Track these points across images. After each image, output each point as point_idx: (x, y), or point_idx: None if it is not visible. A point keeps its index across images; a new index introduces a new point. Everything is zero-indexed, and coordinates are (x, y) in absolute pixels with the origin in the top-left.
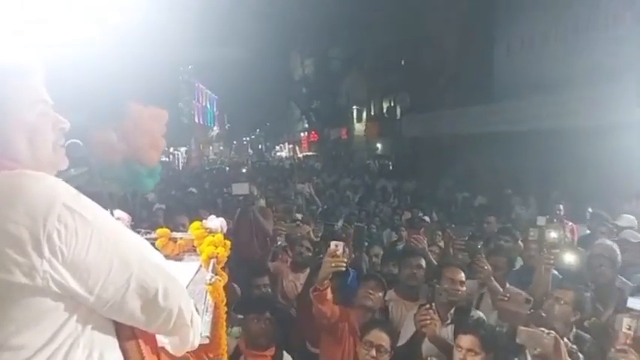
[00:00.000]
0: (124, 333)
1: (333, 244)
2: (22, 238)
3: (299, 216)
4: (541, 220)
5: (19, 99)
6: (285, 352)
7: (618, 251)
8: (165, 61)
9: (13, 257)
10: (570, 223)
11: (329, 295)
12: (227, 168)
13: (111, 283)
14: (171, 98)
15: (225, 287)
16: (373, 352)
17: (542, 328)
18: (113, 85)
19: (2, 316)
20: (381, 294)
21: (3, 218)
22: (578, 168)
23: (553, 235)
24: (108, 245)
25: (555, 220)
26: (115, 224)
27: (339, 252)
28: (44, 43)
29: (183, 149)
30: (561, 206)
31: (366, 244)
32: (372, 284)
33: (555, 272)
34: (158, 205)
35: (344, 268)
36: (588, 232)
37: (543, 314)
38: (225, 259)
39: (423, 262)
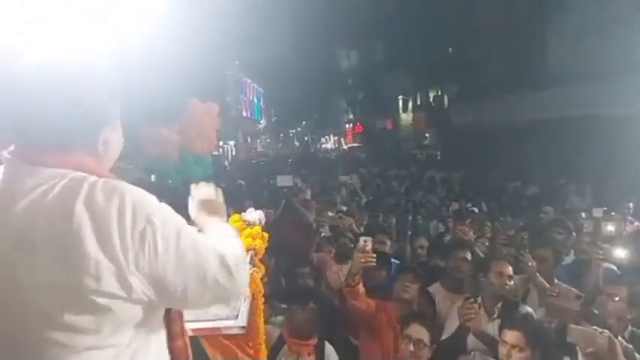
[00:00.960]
0: (176, 331)
1: (362, 239)
2: (123, 252)
3: (343, 207)
4: (597, 212)
5: (108, 99)
6: (327, 343)
7: None
8: (214, 58)
9: (113, 269)
10: (636, 223)
11: (361, 289)
12: (272, 160)
13: (190, 289)
14: (220, 93)
15: (262, 278)
16: (411, 347)
17: (596, 327)
18: (167, 82)
19: (101, 321)
20: (417, 286)
21: (110, 232)
22: (633, 155)
23: (610, 228)
24: (186, 260)
25: (614, 213)
26: (187, 231)
27: (369, 247)
28: (105, 43)
29: (231, 142)
30: (631, 204)
31: (410, 234)
32: (409, 277)
33: (614, 267)
34: None
35: (374, 264)
36: None
37: (596, 311)
38: (263, 251)
39: (469, 255)
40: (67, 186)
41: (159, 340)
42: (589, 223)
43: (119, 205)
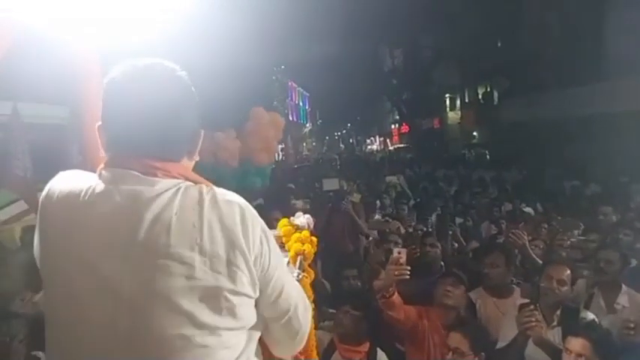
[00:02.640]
0: None
1: (395, 251)
2: (249, 254)
3: (390, 209)
4: None
5: None
6: (379, 349)
7: None
8: (260, 63)
9: (244, 270)
10: None
11: (397, 300)
12: (318, 162)
13: (286, 295)
14: (267, 98)
15: (312, 284)
16: (450, 355)
17: None
18: (216, 87)
19: (231, 321)
20: (460, 290)
21: (235, 236)
22: None
23: None
24: (279, 263)
25: None
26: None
27: (403, 260)
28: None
29: (279, 147)
30: None
31: (451, 234)
32: (449, 281)
33: None
34: (258, 201)
35: (408, 276)
36: None
37: None
38: (312, 255)
39: (502, 259)
40: (189, 194)
41: (258, 353)
42: None
43: (240, 212)
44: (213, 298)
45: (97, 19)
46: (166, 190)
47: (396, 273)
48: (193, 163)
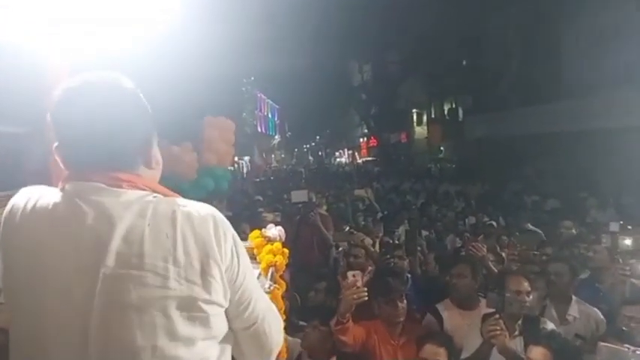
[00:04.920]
0: None
1: (350, 274)
2: (222, 264)
3: (361, 222)
4: (614, 226)
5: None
6: None
7: None
8: (229, 74)
9: (217, 280)
10: None
11: (350, 325)
12: (286, 175)
13: (254, 306)
14: (236, 109)
15: (283, 295)
16: None
17: (628, 345)
18: (182, 99)
19: (205, 331)
20: (404, 304)
21: (208, 246)
22: None
23: (627, 242)
24: (247, 274)
25: (630, 227)
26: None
27: (359, 282)
28: (104, 54)
29: (246, 158)
30: None
31: (420, 249)
32: (396, 300)
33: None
34: (227, 213)
35: (366, 299)
36: None
37: (624, 328)
38: (284, 267)
39: (468, 270)
40: (160, 206)
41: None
42: (606, 237)
43: (213, 223)
44: (188, 308)
45: (66, 32)
46: (135, 202)
47: (355, 297)
48: (158, 173)
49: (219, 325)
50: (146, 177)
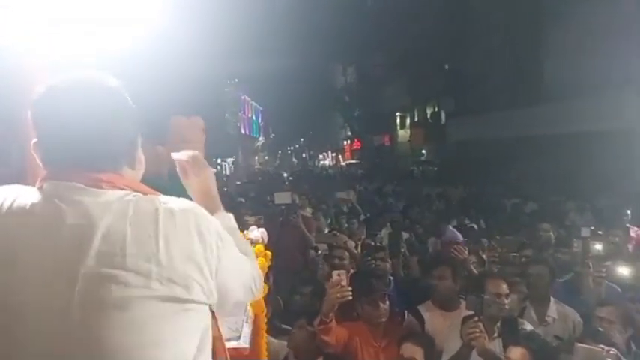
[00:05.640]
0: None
1: (335, 273)
2: (205, 262)
3: (345, 224)
4: (585, 232)
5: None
6: None
7: None
8: (212, 75)
9: (200, 279)
10: (635, 229)
11: (334, 325)
12: (270, 177)
13: (239, 291)
14: (218, 111)
15: (265, 298)
16: None
17: (602, 345)
18: (163, 100)
19: (180, 331)
20: (387, 305)
21: (191, 245)
22: (634, 171)
23: (597, 247)
24: (236, 262)
25: (601, 232)
26: (234, 248)
27: (344, 281)
28: (93, 54)
29: (229, 160)
30: (629, 211)
31: (403, 251)
32: (378, 301)
33: (615, 285)
34: None
35: (350, 298)
36: None
37: (600, 329)
38: (266, 269)
39: (449, 272)
40: (141, 205)
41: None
42: (578, 242)
43: (195, 221)
44: (169, 307)
45: (48, 32)
46: (115, 201)
47: (338, 295)
48: (140, 173)
49: (201, 321)
50: (127, 177)
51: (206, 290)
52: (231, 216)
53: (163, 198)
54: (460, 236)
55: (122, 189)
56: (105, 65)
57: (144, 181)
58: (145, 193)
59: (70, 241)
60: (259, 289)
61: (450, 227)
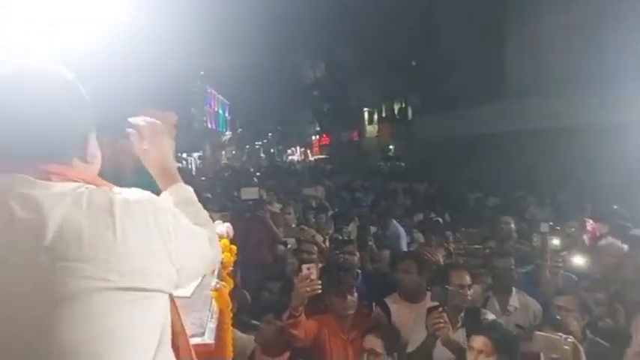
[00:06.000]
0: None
1: (304, 267)
2: (161, 250)
3: (312, 219)
4: (544, 227)
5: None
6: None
7: (625, 248)
8: (177, 68)
9: (160, 268)
10: (591, 222)
11: (302, 319)
12: (238, 172)
13: (197, 263)
14: (184, 104)
15: (230, 293)
16: (365, 357)
17: (560, 333)
18: (126, 93)
19: (141, 322)
20: (355, 297)
21: (149, 234)
22: (592, 167)
23: (555, 242)
24: (191, 235)
25: (559, 228)
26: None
27: (313, 275)
28: (55, 49)
29: (196, 155)
30: (589, 207)
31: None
32: (345, 293)
33: (572, 275)
34: None
35: (320, 291)
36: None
37: (558, 317)
38: (231, 264)
39: (415, 266)
40: (95, 197)
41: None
42: (537, 237)
43: (152, 210)
44: (129, 298)
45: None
46: (67, 193)
47: (307, 289)
48: (95, 167)
49: (161, 309)
50: (80, 169)
51: (167, 278)
52: (190, 189)
53: (117, 189)
54: (402, 230)
55: (74, 181)
56: (67, 60)
57: (107, 174)
58: (98, 186)
59: (20, 236)
60: (217, 255)
61: (394, 221)
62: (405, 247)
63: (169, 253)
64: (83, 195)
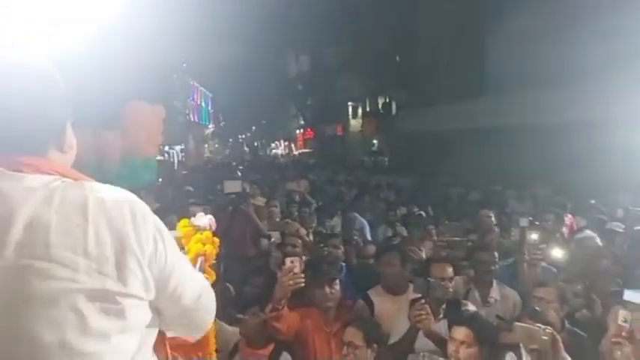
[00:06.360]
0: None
1: (288, 260)
2: (141, 254)
3: (294, 213)
4: (523, 222)
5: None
6: (285, 352)
7: (599, 242)
8: (159, 60)
9: (136, 272)
10: (569, 216)
11: (285, 312)
12: (221, 165)
13: (189, 291)
14: (166, 97)
15: (217, 287)
16: (345, 350)
17: (539, 324)
18: (108, 85)
19: (120, 325)
20: (337, 289)
21: (124, 235)
22: (571, 162)
23: (534, 237)
24: (177, 260)
25: (538, 223)
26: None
27: (297, 269)
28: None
29: (178, 148)
30: (568, 204)
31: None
32: (326, 284)
33: (551, 267)
34: (155, 205)
35: (303, 285)
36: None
37: (537, 308)
38: (214, 256)
39: (398, 259)
40: (69, 192)
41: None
42: (515, 231)
43: (130, 210)
44: (100, 301)
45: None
46: (40, 188)
47: (291, 283)
48: (71, 158)
49: (138, 317)
50: (55, 161)
51: (143, 283)
52: None
53: (96, 185)
54: (365, 221)
55: (48, 173)
56: (48, 52)
57: (90, 166)
58: (75, 179)
59: None
60: (211, 315)
61: (355, 214)
62: (369, 237)
63: (144, 257)
64: (56, 190)
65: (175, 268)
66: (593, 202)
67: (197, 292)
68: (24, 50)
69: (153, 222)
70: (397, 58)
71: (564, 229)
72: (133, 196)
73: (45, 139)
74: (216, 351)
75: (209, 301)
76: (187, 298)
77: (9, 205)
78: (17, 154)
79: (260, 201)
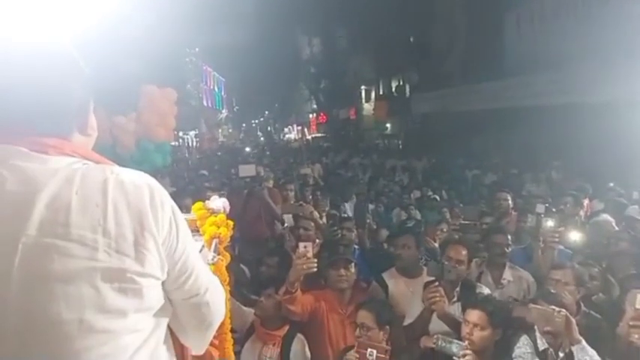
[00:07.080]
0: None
1: (301, 245)
2: (158, 235)
3: (308, 195)
4: (540, 208)
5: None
6: (299, 334)
7: (615, 225)
8: (172, 44)
9: (153, 252)
10: (587, 200)
11: (299, 295)
12: (234, 150)
13: (195, 278)
14: (179, 81)
15: (227, 267)
16: (358, 332)
17: (554, 307)
18: (121, 70)
19: (137, 303)
20: (352, 272)
21: (143, 216)
22: (589, 144)
23: (550, 224)
24: (188, 246)
25: (554, 210)
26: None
27: (310, 253)
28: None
29: (192, 133)
30: (589, 188)
31: (369, 222)
32: (341, 265)
33: (568, 250)
34: (171, 189)
35: (315, 269)
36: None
37: (552, 290)
38: (228, 239)
39: (412, 241)
40: (90, 173)
41: (168, 341)
42: (532, 217)
43: (149, 193)
44: (118, 280)
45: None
46: (61, 168)
47: (304, 267)
48: (92, 140)
49: (154, 296)
50: (77, 143)
51: (159, 263)
52: None
53: (116, 168)
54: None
55: (71, 155)
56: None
57: (104, 150)
58: (96, 161)
59: (9, 209)
60: (219, 307)
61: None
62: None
63: (161, 237)
64: (78, 171)
65: (185, 252)
66: (611, 184)
67: (204, 285)
68: (48, 34)
69: (170, 206)
70: (411, 39)
71: (582, 212)
72: (153, 180)
73: (69, 122)
74: (233, 331)
75: (217, 297)
76: (193, 284)
77: (34, 185)
78: (42, 135)
79: (271, 184)
